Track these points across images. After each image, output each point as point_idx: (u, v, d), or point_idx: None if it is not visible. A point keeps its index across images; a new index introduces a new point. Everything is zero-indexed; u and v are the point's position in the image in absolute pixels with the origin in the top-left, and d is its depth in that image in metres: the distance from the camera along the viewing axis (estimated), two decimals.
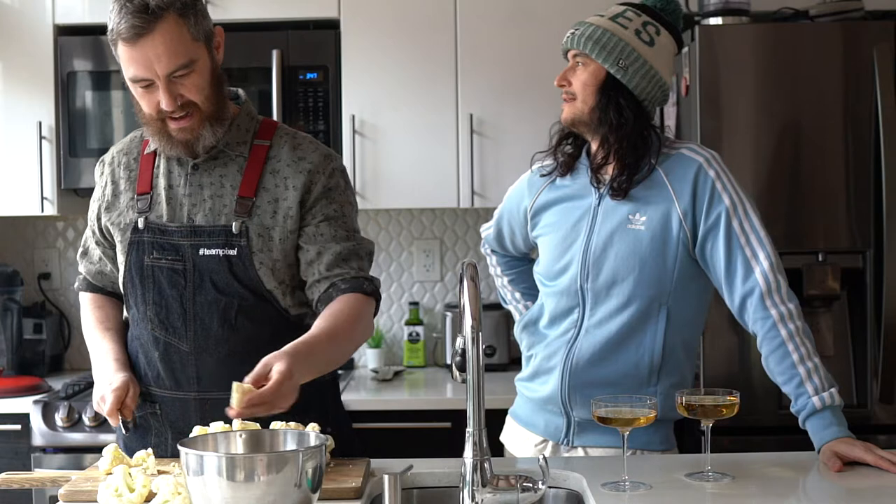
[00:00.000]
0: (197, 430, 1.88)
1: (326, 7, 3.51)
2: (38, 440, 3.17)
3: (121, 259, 2.17)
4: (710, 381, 2.93)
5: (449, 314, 3.78)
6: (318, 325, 2.01)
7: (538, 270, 2.39)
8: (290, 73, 3.47)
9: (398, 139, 3.52)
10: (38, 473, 2.06)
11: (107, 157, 2.26)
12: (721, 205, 2.18)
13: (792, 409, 2.11)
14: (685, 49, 3.10)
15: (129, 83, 2.04)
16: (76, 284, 2.34)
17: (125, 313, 2.24)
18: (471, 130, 3.48)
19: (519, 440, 2.40)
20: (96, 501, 1.79)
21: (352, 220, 2.17)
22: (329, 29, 3.53)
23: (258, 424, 1.89)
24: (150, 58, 1.97)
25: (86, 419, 3.16)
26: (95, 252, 2.27)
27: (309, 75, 3.48)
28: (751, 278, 2.15)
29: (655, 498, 1.86)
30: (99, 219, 2.22)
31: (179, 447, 1.61)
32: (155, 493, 1.77)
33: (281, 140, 2.16)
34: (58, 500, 1.86)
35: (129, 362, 2.19)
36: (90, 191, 2.41)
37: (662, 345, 2.22)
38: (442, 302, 3.93)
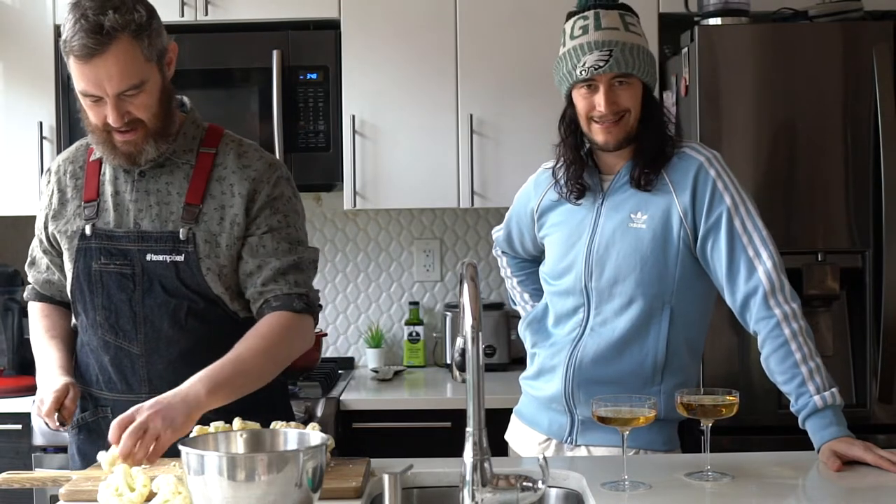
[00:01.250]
0: (197, 430, 1.89)
1: (326, 7, 3.51)
2: (38, 440, 3.17)
3: (68, 266, 2.19)
4: (710, 381, 2.93)
5: (449, 314, 3.77)
6: (230, 352, 2.01)
7: (543, 270, 2.39)
8: (290, 73, 3.47)
9: (398, 139, 3.52)
10: (39, 473, 2.06)
11: (53, 166, 2.27)
12: (722, 204, 2.18)
13: (792, 409, 2.11)
14: (685, 49, 3.10)
15: (78, 94, 2.05)
16: (25, 294, 2.36)
17: (73, 321, 2.25)
18: (471, 130, 3.48)
19: (523, 439, 2.40)
20: (97, 501, 1.79)
21: (296, 230, 2.17)
22: (329, 29, 3.53)
23: (258, 424, 1.90)
24: (101, 77, 1.99)
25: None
26: (43, 261, 2.29)
27: (309, 75, 3.48)
28: (754, 277, 2.15)
29: (655, 498, 1.86)
30: (46, 227, 2.23)
31: (180, 446, 1.61)
32: (155, 493, 1.77)
33: (227, 147, 2.17)
34: (58, 500, 1.86)
35: (79, 369, 2.21)
36: None
37: (666, 344, 2.22)
38: (442, 302, 3.93)
